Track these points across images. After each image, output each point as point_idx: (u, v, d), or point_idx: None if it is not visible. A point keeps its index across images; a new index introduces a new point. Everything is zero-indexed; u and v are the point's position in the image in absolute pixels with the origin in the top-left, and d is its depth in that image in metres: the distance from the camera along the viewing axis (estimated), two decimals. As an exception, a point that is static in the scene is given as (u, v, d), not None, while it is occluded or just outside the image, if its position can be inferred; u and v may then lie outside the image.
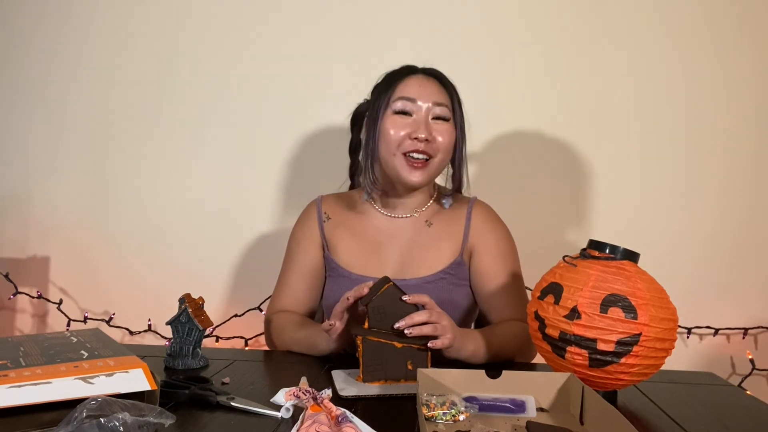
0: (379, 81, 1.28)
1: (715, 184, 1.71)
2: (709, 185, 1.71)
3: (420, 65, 1.28)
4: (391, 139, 1.19)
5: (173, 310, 1.10)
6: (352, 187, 1.40)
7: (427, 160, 1.20)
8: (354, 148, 1.35)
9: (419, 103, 1.20)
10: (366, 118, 1.29)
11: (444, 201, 1.30)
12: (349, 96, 1.35)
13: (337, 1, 1.76)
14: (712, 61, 1.70)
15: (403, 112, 1.20)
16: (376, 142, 1.21)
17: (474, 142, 1.71)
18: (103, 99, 1.85)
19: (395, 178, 1.23)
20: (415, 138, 1.18)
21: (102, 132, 1.85)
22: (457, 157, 1.24)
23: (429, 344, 1.00)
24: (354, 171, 1.39)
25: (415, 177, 1.20)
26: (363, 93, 1.34)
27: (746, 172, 1.70)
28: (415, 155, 1.19)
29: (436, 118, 1.20)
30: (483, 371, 0.90)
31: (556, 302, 0.94)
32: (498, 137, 1.75)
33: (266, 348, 1.32)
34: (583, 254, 0.98)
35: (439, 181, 1.33)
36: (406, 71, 1.24)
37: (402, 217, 1.30)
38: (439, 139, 1.20)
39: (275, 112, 1.79)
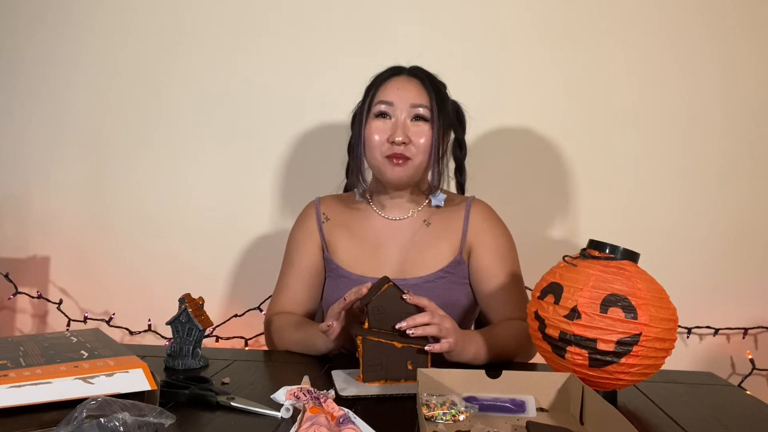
0: (368, 83, 1.29)
1: (715, 183, 1.71)
2: (709, 185, 1.71)
3: (409, 64, 1.29)
4: (373, 143, 1.23)
5: (173, 310, 1.10)
6: (347, 185, 1.40)
7: (407, 158, 1.22)
8: (352, 147, 1.36)
9: (397, 105, 1.21)
10: (354, 120, 1.31)
11: (433, 198, 1.30)
12: (346, 96, 1.35)
13: (335, 1, 1.76)
14: (711, 60, 1.70)
15: (383, 114, 1.22)
16: (362, 146, 1.25)
17: (472, 141, 1.71)
18: (103, 99, 1.85)
19: (381, 178, 1.26)
20: (393, 142, 1.20)
21: (101, 132, 1.85)
22: (433, 155, 1.24)
23: (427, 347, 1.00)
24: (350, 169, 1.40)
25: (395, 173, 1.22)
26: (360, 93, 1.33)
27: (746, 172, 1.70)
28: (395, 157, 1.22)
29: (415, 118, 1.22)
30: (483, 371, 0.90)
31: (556, 302, 0.94)
32: (497, 136, 1.75)
33: (266, 348, 1.33)
34: (583, 254, 0.98)
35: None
36: (389, 73, 1.26)
37: (400, 219, 1.31)
38: (419, 141, 1.21)
39: (274, 113, 1.79)
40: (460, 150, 1.33)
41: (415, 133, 1.21)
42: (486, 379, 0.90)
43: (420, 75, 1.26)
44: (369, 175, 1.31)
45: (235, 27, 1.80)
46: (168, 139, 1.83)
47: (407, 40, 1.74)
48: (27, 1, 1.86)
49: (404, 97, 1.22)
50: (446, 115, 1.26)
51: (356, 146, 1.27)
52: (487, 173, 1.74)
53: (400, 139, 1.20)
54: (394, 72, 1.27)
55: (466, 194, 1.39)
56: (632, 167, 1.72)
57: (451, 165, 1.33)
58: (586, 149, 1.73)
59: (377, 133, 1.22)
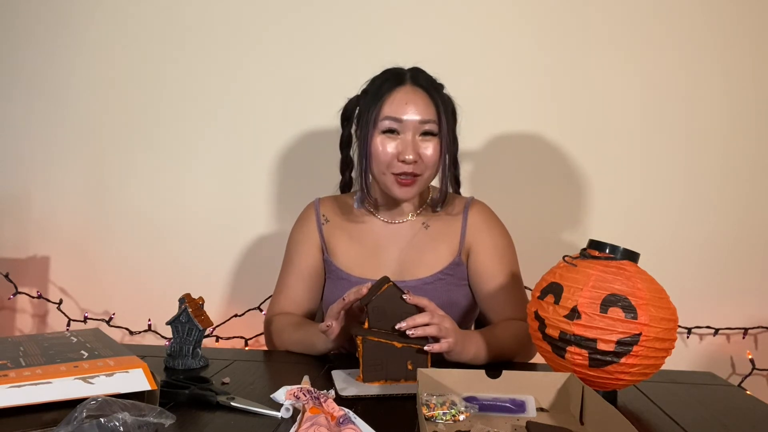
0: (367, 85, 1.28)
1: (715, 184, 1.71)
2: (708, 185, 1.71)
3: (408, 65, 1.27)
4: (380, 159, 1.21)
5: (173, 310, 1.10)
6: (343, 182, 1.40)
7: (416, 176, 1.21)
8: (344, 144, 1.35)
9: (406, 121, 1.20)
10: (356, 129, 1.29)
11: (437, 208, 1.30)
12: (344, 97, 1.35)
13: (331, 2, 1.76)
14: (711, 63, 1.69)
15: (391, 130, 1.21)
16: (368, 160, 1.23)
17: (472, 142, 1.72)
18: (102, 99, 1.85)
19: (386, 192, 1.25)
20: (403, 160, 1.19)
21: (101, 132, 1.85)
22: (442, 165, 1.24)
23: (426, 347, 1.00)
24: (345, 166, 1.39)
25: (404, 194, 1.22)
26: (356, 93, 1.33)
27: (746, 172, 1.70)
28: (404, 176, 1.21)
29: (424, 133, 1.21)
30: (483, 371, 0.90)
31: (556, 302, 0.94)
32: (496, 137, 1.75)
33: (266, 348, 1.33)
34: (583, 254, 0.98)
35: (434, 183, 1.32)
36: (394, 82, 1.23)
37: (399, 221, 1.30)
38: (427, 153, 1.21)
39: (274, 113, 1.79)
40: (453, 144, 1.32)
41: (424, 148, 1.21)
42: (486, 379, 0.90)
43: (424, 84, 1.23)
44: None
45: (235, 29, 1.79)
46: (168, 140, 1.83)
47: (403, 42, 1.73)
48: (27, 1, 1.86)
49: (412, 113, 1.20)
50: (451, 123, 1.25)
51: (362, 159, 1.24)
52: (490, 174, 1.74)
53: (411, 157, 1.19)
54: (398, 80, 1.23)
55: (470, 193, 1.39)
56: (633, 168, 1.72)
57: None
58: (587, 151, 1.73)
59: (385, 149, 1.20)
